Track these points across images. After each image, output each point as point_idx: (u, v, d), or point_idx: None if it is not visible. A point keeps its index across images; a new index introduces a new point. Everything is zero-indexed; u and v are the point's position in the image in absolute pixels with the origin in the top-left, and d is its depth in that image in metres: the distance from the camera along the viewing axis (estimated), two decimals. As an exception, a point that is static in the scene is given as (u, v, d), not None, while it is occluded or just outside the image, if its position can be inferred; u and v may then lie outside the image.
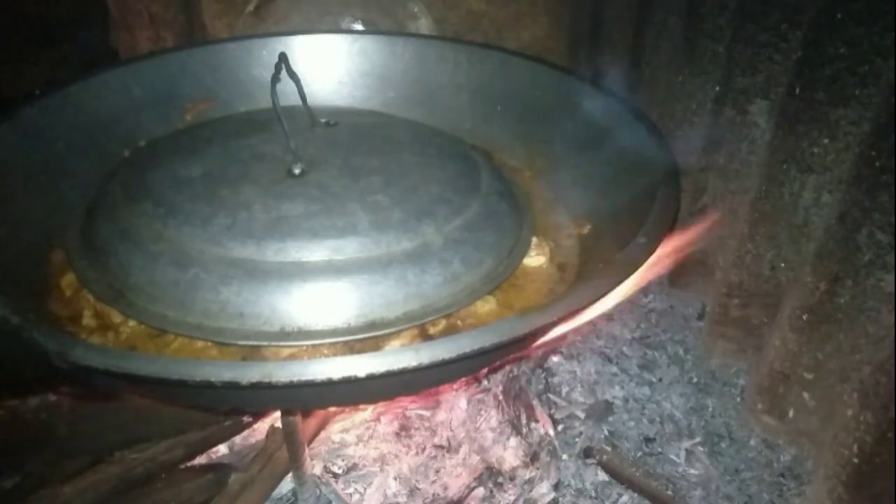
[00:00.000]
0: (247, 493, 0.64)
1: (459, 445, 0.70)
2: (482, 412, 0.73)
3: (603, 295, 0.52)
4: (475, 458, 0.70)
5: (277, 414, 0.68)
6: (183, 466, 0.68)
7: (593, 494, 0.70)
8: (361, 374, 0.44)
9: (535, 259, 0.69)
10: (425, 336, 0.59)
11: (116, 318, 0.59)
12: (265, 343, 0.55)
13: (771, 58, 0.71)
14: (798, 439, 0.74)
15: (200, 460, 0.69)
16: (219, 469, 0.67)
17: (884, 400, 0.58)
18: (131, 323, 0.59)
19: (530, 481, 0.69)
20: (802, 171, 0.68)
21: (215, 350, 0.57)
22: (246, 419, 0.71)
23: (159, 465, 0.66)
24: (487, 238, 0.64)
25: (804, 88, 0.65)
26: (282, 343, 0.55)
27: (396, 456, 0.70)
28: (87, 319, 0.61)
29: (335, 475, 0.68)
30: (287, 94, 0.63)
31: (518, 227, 0.69)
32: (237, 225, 0.58)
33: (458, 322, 0.61)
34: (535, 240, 0.70)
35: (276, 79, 0.62)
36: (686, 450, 0.75)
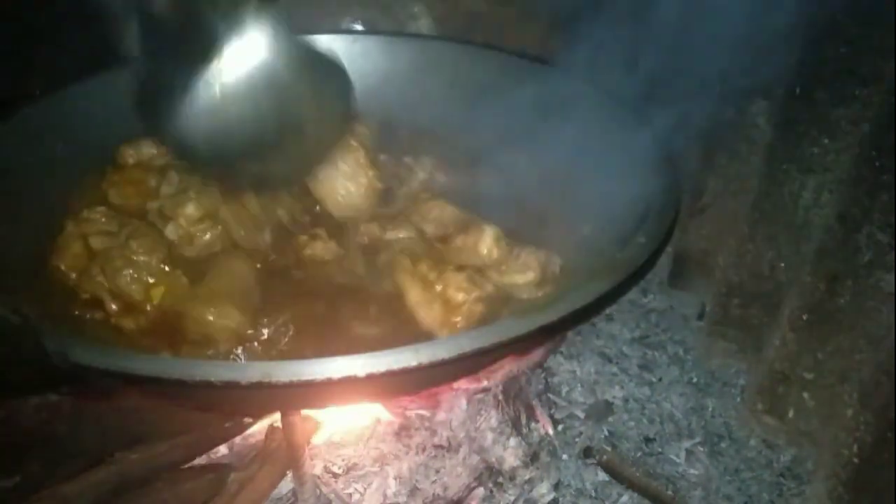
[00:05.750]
0: (246, 493, 0.64)
1: (459, 445, 0.70)
2: (482, 412, 0.73)
3: (603, 295, 0.52)
4: (475, 458, 0.70)
5: (277, 414, 0.68)
6: (183, 466, 0.68)
7: (593, 494, 0.70)
8: (361, 374, 0.44)
9: (533, 258, 0.69)
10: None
11: (138, 296, 0.59)
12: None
13: (771, 58, 0.71)
14: (798, 439, 0.74)
15: (200, 460, 0.69)
16: (219, 469, 0.67)
17: (884, 400, 0.58)
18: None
19: (530, 481, 0.69)
20: (802, 171, 0.68)
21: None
22: (246, 419, 0.71)
23: (159, 465, 0.66)
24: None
25: (804, 88, 0.65)
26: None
27: (396, 456, 0.70)
28: (110, 303, 0.60)
29: (335, 475, 0.68)
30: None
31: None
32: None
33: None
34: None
35: None
36: (686, 450, 0.75)
